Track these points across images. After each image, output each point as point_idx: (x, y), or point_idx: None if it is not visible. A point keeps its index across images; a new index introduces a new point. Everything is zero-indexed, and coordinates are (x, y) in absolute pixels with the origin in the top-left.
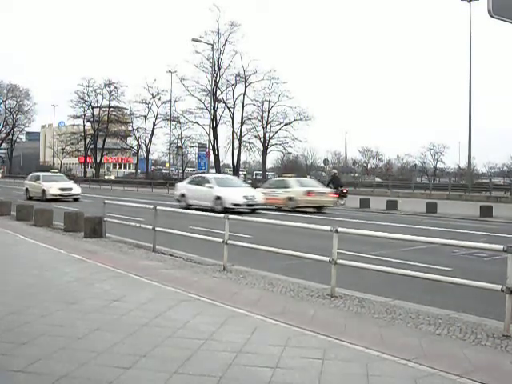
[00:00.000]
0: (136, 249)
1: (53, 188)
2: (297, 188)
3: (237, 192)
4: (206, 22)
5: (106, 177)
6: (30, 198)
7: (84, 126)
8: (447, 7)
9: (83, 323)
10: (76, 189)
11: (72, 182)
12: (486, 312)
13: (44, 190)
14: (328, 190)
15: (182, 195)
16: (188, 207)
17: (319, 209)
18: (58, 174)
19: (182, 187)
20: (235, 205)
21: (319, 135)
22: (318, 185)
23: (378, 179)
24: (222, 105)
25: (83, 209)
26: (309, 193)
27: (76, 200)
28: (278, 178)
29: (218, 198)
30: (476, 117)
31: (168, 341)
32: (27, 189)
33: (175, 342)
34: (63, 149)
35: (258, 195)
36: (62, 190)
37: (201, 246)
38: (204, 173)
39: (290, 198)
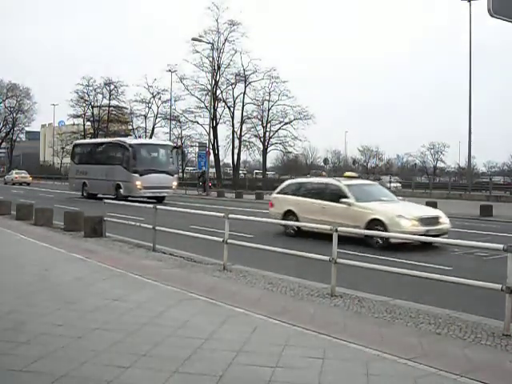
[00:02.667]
0: (136, 248)
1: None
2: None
3: (407, 210)
4: (205, 22)
5: None
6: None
7: (84, 125)
8: (447, 7)
9: (83, 322)
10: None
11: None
12: (485, 311)
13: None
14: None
15: (290, 213)
16: (299, 230)
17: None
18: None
19: (285, 200)
20: (419, 234)
21: (319, 134)
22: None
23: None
24: (221, 104)
25: (82, 208)
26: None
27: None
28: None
29: (376, 222)
30: (476, 116)
31: (168, 340)
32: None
33: (175, 342)
34: (63, 148)
35: (443, 216)
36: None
37: (201, 246)
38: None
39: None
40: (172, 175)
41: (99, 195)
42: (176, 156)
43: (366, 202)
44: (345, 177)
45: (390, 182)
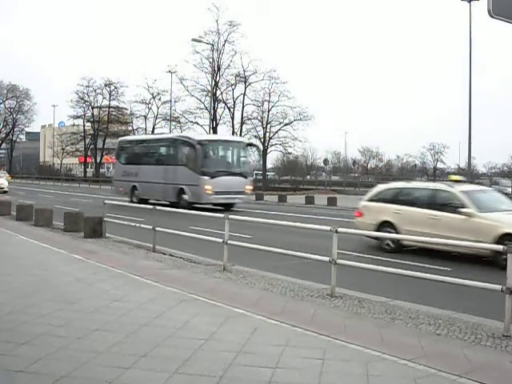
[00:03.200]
0: (136, 249)
1: None
2: None
3: None
4: (205, 22)
5: None
6: None
7: (84, 126)
8: (447, 7)
9: (83, 323)
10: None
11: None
12: (485, 312)
13: None
14: None
15: (387, 225)
16: (397, 244)
17: None
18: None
19: (380, 209)
20: None
21: (319, 135)
22: None
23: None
24: (221, 105)
25: (83, 209)
26: None
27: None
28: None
29: (510, 238)
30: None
31: (168, 341)
32: None
33: (175, 342)
34: (63, 149)
35: None
36: None
37: (201, 246)
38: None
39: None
40: (245, 177)
41: (150, 200)
42: (249, 155)
43: (489, 213)
44: (451, 181)
45: None
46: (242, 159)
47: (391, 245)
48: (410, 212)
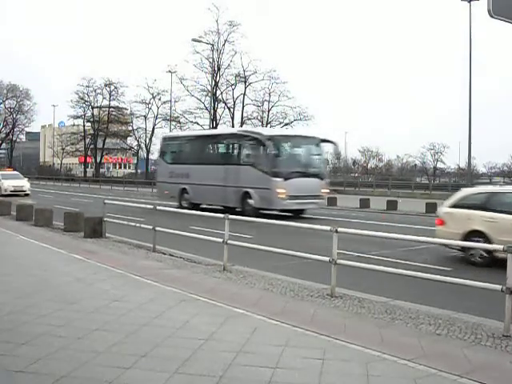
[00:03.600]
0: (136, 249)
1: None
2: None
3: None
4: (205, 22)
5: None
6: None
7: (84, 126)
8: (447, 7)
9: (83, 323)
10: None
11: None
12: (485, 312)
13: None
14: None
15: (476, 235)
16: (490, 257)
17: None
18: (14, 172)
19: (468, 217)
20: None
21: (319, 135)
22: None
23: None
24: (221, 105)
25: (83, 209)
26: None
27: (27, 195)
28: None
29: None
30: (476, 117)
31: (168, 341)
32: None
33: (175, 342)
34: (63, 149)
35: None
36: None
37: (201, 246)
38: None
39: None
40: (322, 179)
41: (203, 205)
42: (325, 153)
43: None
44: None
45: None
46: (318, 158)
47: (483, 255)
48: (507, 220)
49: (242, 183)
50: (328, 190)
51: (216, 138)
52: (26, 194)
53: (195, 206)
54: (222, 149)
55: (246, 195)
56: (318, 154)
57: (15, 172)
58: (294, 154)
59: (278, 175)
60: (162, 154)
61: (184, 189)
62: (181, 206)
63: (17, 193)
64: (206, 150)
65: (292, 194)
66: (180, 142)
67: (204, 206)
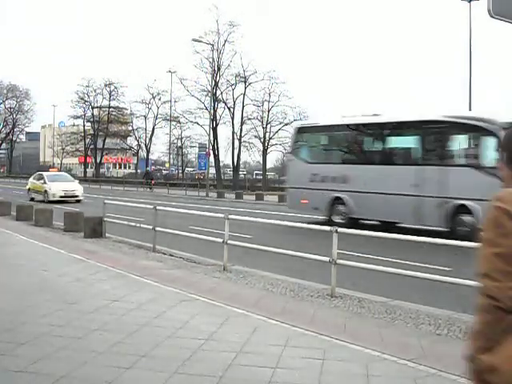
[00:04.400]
0: (136, 249)
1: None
2: None
3: None
4: (205, 23)
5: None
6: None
7: (84, 126)
8: (447, 7)
9: (83, 323)
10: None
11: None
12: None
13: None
14: None
15: None
16: None
17: None
18: (62, 173)
19: None
20: None
21: None
22: None
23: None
24: (221, 105)
25: (83, 209)
26: None
27: (78, 202)
28: None
29: None
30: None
31: (168, 341)
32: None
33: (175, 342)
34: (63, 149)
35: None
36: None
37: (201, 246)
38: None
39: None
40: None
41: (362, 221)
42: None
43: None
44: None
45: None
46: None
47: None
48: None
49: (452, 192)
50: None
51: (400, 128)
52: (78, 201)
53: (353, 222)
54: (411, 143)
55: (460, 210)
56: None
57: (63, 173)
58: None
59: None
60: (296, 149)
61: (338, 198)
62: (330, 221)
63: (67, 198)
64: (379, 145)
65: None
66: (329, 132)
67: (368, 222)
